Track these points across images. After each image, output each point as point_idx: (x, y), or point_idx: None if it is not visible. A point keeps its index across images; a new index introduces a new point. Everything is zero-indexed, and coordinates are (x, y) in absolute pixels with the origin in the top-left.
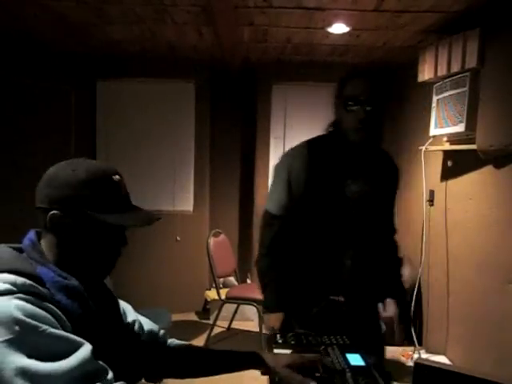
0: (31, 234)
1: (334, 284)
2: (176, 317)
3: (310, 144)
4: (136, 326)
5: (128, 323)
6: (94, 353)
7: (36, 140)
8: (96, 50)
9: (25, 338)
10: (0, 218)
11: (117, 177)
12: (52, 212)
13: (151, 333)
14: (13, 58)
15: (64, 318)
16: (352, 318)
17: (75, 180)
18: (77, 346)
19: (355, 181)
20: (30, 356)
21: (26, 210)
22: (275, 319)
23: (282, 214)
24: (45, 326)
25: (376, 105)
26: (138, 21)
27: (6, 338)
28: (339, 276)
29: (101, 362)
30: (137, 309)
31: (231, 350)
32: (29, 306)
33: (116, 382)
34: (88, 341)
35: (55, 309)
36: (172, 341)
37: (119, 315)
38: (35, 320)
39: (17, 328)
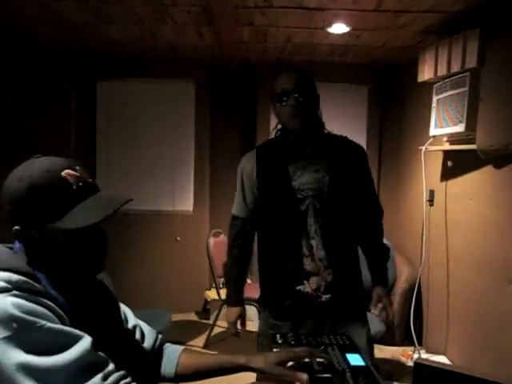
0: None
1: (299, 275)
2: (176, 317)
3: (259, 147)
4: (137, 333)
5: (128, 329)
6: (94, 345)
7: (36, 140)
8: (96, 50)
9: (23, 335)
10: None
11: (66, 171)
12: (14, 228)
13: (151, 340)
14: (13, 58)
15: (62, 312)
16: (329, 309)
17: (20, 193)
18: (76, 339)
19: (305, 172)
20: (29, 351)
21: None
22: (232, 313)
23: (240, 214)
24: (43, 321)
25: (305, 93)
26: (137, 21)
27: (5, 335)
28: (301, 266)
29: (101, 353)
30: (137, 309)
31: (223, 356)
32: (25, 303)
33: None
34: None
35: (52, 304)
36: (167, 346)
37: (119, 317)
38: (33, 316)
39: (14, 325)
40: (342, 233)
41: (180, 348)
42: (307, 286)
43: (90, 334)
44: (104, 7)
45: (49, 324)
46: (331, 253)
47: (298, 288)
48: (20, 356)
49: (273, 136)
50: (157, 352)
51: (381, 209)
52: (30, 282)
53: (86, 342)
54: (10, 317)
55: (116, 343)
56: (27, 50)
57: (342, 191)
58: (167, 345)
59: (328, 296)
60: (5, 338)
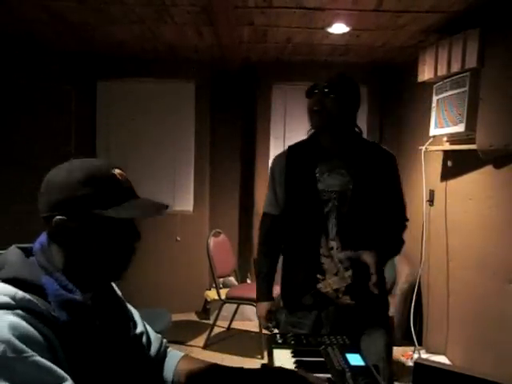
0: (43, 237)
1: (317, 274)
2: (176, 317)
3: (290, 147)
4: (144, 340)
5: (135, 334)
6: (93, 372)
7: (36, 140)
8: (96, 50)
9: (7, 361)
10: (0, 217)
11: (116, 170)
12: (56, 218)
13: (156, 345)
14: (13, 58)
15: (57, 342)
16: (349, 311)
17: (72, 181)
18: (58, 381)
19: (331, 174)
20: (7, 380)
21: (25, 209)
22: (262, 308)
23: (271, 212)
24: (31, 353)
25: (336, 93)
26: (138, 21)
27: None
28: (320, 266)
29: None
30: (137, 309)
31: (219, 366)
32: (23, 325)
33: None
34: (88, 357)
35: (50, 333)
36: (169, 350)
37: (127, 324)
38: (24, 343)
39: (1, 348)
40: (362, 237)
41: (180, 354)
42: (327, 286)
43: (92, 354)
44: (104, 7)
45: (36, 357)
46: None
47: (319, 286)
48: None
49: (305, 137)
50: (161, 357)
51: (405, 217)
52: (34, 300)
53: None
54: (1, 338)
55: (123, 354)
56: (27, 49)
57: (365, 196)
58: (170, 349)
59: (348, 298)
60: None
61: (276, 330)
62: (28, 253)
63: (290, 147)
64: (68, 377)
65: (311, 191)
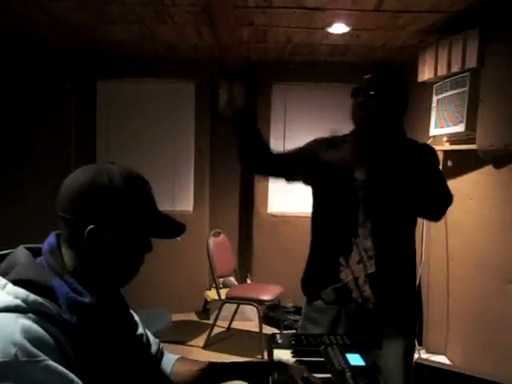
0: (51, 238)
1: (339, 261)
2: (176, 317)
3: (331, 137)
4: (144, 339)
5: (138, 335)
6: (101, 375)
7: (36, 140)
8: (96, 50)
9: (18, 366)
10: (0, 217)
11: (149, 186)
12: (90, 227)
13: (154, 349)
14: (13, 58)
15: (68, 345)
16: (369, 311)
17: (114, 190)
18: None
19: (370, 168)
20: None
21: (25, 209)
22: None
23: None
24: (43, 357)
25: (381, 94)
26: (138, 21)
27: (1, 360)
28: (346, 252)
29: None
30: (137, 309)
31: (214, 365)
32: (35, 329)
33: None
34: (98, 359)
35: (61, 335)
36: (165, 354)
37: (132, 327)
38: (36, 347)
39: (13, 351)
40: (391, 229)
41: (174, 358)
42: (349, 274)
43: (102, 356)
44: (104, 7)
45: (48, 362)
46: (378, 246)
47: (341, 277)
48: None
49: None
50: (159, 360)
51: (450, 194)
52: (46, 304)
53: None
54: (13, 342)
55: (129, 351)
56: (27, 49)
57: (395, 189)
58: (165, 353)
59: (368, 289)
60: (0, 364)
61: None
62: (35, 253)
63: (332, 136)
64: (79, 381)
65: (346, 177)
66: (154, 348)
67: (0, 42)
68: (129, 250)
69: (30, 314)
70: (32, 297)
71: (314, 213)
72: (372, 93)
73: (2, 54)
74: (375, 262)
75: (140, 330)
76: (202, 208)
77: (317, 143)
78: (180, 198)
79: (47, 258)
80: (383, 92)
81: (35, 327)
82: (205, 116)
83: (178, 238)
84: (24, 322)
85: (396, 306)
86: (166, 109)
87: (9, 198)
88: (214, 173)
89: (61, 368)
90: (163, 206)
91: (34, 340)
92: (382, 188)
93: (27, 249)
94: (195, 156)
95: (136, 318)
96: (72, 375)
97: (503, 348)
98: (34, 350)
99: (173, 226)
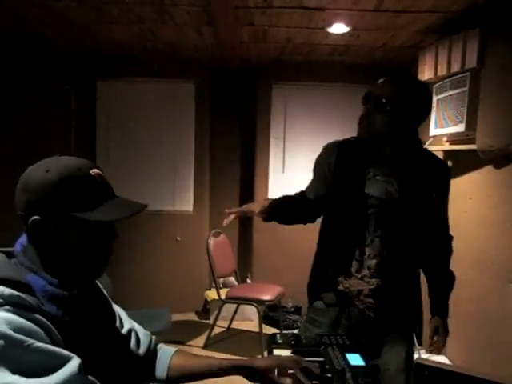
0: (23, 239)
1: (343, 274)
2: (176, 317)
3: (342, 141)
4: (132, 337)
5: (123, 334)
6: (85, 365)
7: (36, 139)
8: (96, 50)
9: (10, 353)
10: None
11: (94, 170)
12: (32, 218)
13: (146, 343)
14: (13, 58)
15: (53, 328)
16: (370, 317)
17: (49, 181)
18: (65, 360)
19: (379, 181)
20: (15, 372)
21: None
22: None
23: (309, 195)
24: (31, 340)
25: (394, 104)
26: (138, 21)
27: None
28: (348, 268)
29: (90, 377)
30: (137, 309)
31: (213, 359)
32: (16, 319)
33: None
34: (79, 351)
35: (44, 320)
36: (160, 347)
37: (113, 321)
38: (22, 334)
39: (1, 342)
40: (399, 249)
41: (172, 350)
42: (350, 286)
43: (83, 348)
44: (104, 7)
45: (37, 343)
46: (383, 265)
47: (345, 285)
48: (7, 377)
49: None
50: (151, 354)
51: (449, 235)
52: (23, 296)
53: (74, 364)
54: None
55: (111, 349)
56: (27, 49)
57: (409, 210)
58: (160, 346)
59: (371, 300)
60: None
61: None
62: (10, 255)
63: (342, 141)
64: (73, 355)
65: (358, 193)
66: (144, 345)
67: (0, 42)
68: (86, 239)
69: (7, 307)
70: (8, 290)
71: (322, 224)
72: (384, 101)
73: (1, 53)
74: (379, 281)
75: (126, 328)
76: (201, 208)
77: (327, 152)
78: (180, 198)
79: (20, 258)
80: (397, 100)
81: (16, 318)
82: (205, 116)
83: (178, 238)
84: (3, 314)
85: (399, 317)
86: (165, 109)
87: (8, 197)
88: (214, 173)
89: (52, 347)
90: (163, 206)
91: (19, 329)
92: (407, 206)
93: (1, 252)
94: (195, 156)
95: (123, 315)
96: (66, 351)
97: (503, 348)
98: (21, 337)
99: (122, 208)
